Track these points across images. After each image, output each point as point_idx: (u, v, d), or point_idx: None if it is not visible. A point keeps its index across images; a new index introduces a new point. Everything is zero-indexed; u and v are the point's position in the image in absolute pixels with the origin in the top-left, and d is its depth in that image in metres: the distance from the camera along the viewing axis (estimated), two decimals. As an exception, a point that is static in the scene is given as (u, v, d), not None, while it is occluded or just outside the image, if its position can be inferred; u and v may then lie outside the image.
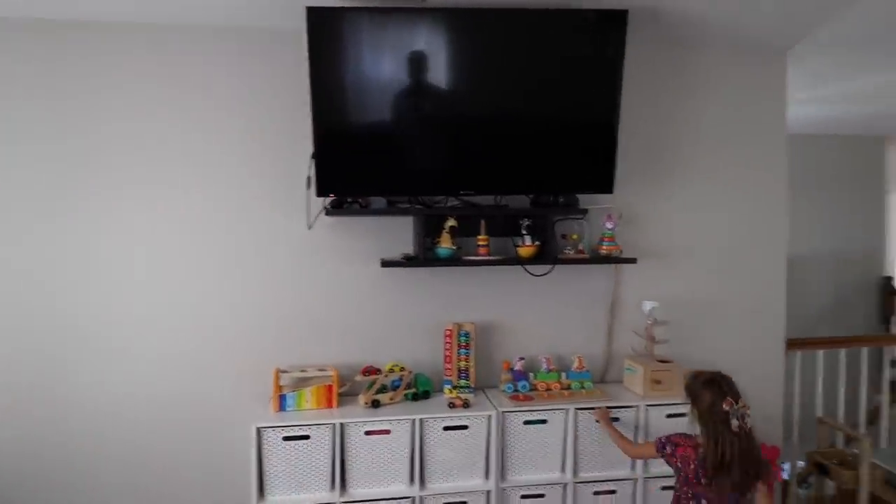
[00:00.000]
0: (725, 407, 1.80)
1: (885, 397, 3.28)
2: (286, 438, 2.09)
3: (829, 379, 2.99)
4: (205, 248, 2.33)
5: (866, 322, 5.13)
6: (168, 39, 2.27)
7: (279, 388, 2.20)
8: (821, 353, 2.94)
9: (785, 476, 2.86)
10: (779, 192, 2.74)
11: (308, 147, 2.14)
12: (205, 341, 2.34)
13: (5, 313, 2.23)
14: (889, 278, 5.41)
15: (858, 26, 2.50)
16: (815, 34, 2.54)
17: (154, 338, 2.31)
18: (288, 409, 2.19)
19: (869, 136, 5.30)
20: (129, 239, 2.28)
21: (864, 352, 2.99)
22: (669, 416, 2.31)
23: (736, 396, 1.84)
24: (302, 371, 2.28)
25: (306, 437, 2.10)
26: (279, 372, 2.23)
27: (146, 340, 2.30)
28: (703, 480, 1.84)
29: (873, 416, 3.57)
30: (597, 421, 2.24)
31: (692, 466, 1.87)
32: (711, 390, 1.86)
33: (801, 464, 2.87)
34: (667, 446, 1.95)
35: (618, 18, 2.09)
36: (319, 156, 2.12)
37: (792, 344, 2.82)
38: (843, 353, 2.96)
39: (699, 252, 2.67)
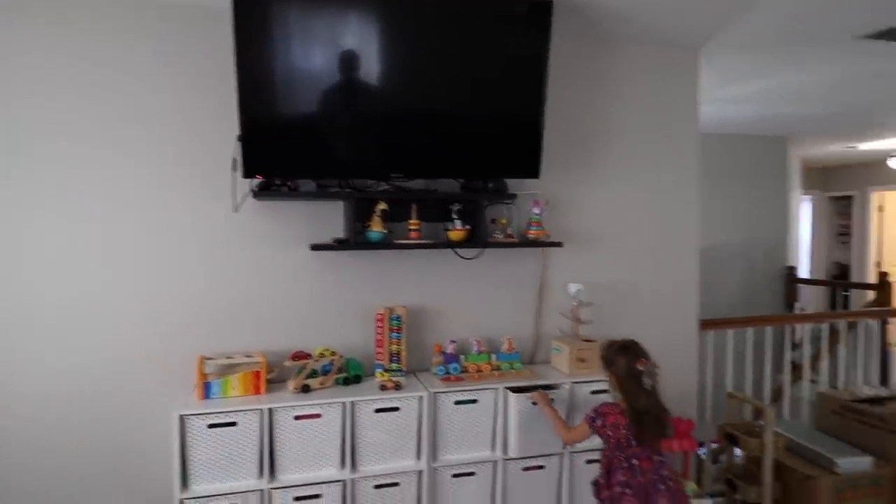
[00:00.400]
0: (639, 367, 1.96)
1: (786, 377, 3.55)
2: (211, 426, 2.02)
3: (737, 357, 3.21)
4: (124, 232, 2.22)
5: (773, 308, 5.52)
6: (84, 14, 2.15)
7: (203, 375, 2.13)
8: (731, 332, 3.15)
9: (702, 454, 3.04)
10: (691, 183, 2.91)
11: (235, 128, 2.09)
12: (124, 329, 2.23)
13: None
14: (792, 268, 5.86)
15: (759, 30, 2.70)
16: (723, 35, 2.72)
17: (69, 326, 2.17)
18: (213, 396, 2.12)
19: (773, 136, 5.72)
20: (43, 222, 2.14)
21: (769, 333, 3.23)
22: (594, 392, 2.41)
23: (647, 357, 2.00)
24: (228, 358, 2.22)
25: (233, 424, 2.05)
26: (203, 359, 2.16)
27: (60, 330, 2.16)
28: (633, 442, 1.95)
29: (777, 395, 3.85)
30: (533, 403, 2.28)
31: (623, 431, 1.97)
32: (626, 355, 2.00)
33: (714, 445, 3.06)
34: (597, 419, 2.04)
35: (543, 10, 2.16)
36: (246, 137, 2.07)
37: (705, 324, 3.01)
38: (750, 333, 3.17)
39: (620, 238, 2.80)
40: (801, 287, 5.95)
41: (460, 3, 2.14)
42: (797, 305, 5.77)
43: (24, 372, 2.14)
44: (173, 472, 2.00)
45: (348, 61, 2.11)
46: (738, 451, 2.92)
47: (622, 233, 2.80)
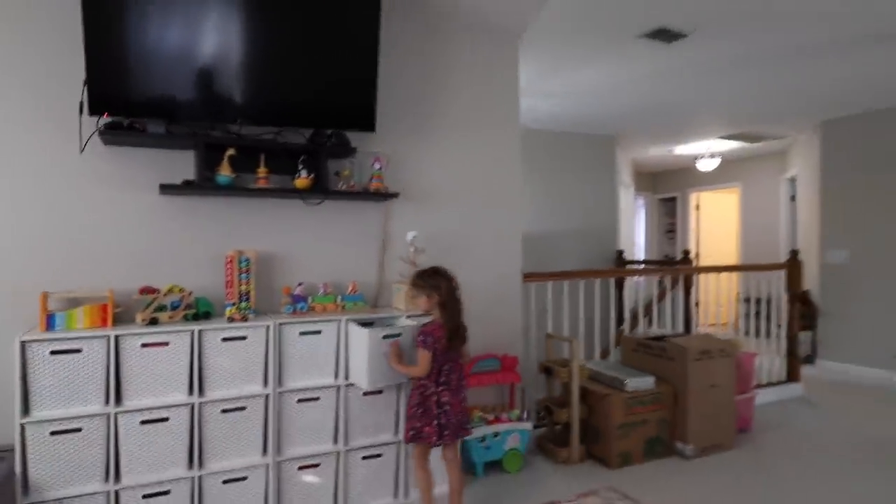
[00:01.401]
0: (454, 284, 2.36)
1: (613, 328, 4.19)
2: (54, 352, 2.10)
3: (573, 307, 3.77)
4: (-43, 170, 2.23)
5: (605, 284, 6.32)
6: None
7: (46, 309, 2.19)
8: (549, 283, 3.69)
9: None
10: (514, 152, 3.39)
11: (78, 77, 2.20)
12: None
13: None
14: (621, 251, 6.74)
15: (561, 23, 3.25)
16: (537, 25, 3.24)
17: None
18: (57, 328, 2.19)
19: (603, 136, 6.57)
20: None
21: (608, 292, 3.80)
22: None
23: (453, 278, 2.44)
24: (72, 292, 2.29)
25: (77, 351, 2.14)
26: (46, 295, 2.22)
27: None
28: (451, 346, 2.37)
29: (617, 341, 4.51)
30: (391, 354, 2.48)
31: (442, 343, 2.34)
32: (446, 278, 2.41)
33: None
34: (427, 339, 2.37)
35: (373, -15, 2.51)
36: (91, 73, 2.18)
37: (527, 277, 3.50)
38: (565, 285, 3.74)
39: (452, 196, 3.20)
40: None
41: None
42: (626, 284, 6.64)
43: None
44: (14, 398, 2.05)
45: (199, 13, 2.30)
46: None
47: (454, 192, 3.21)
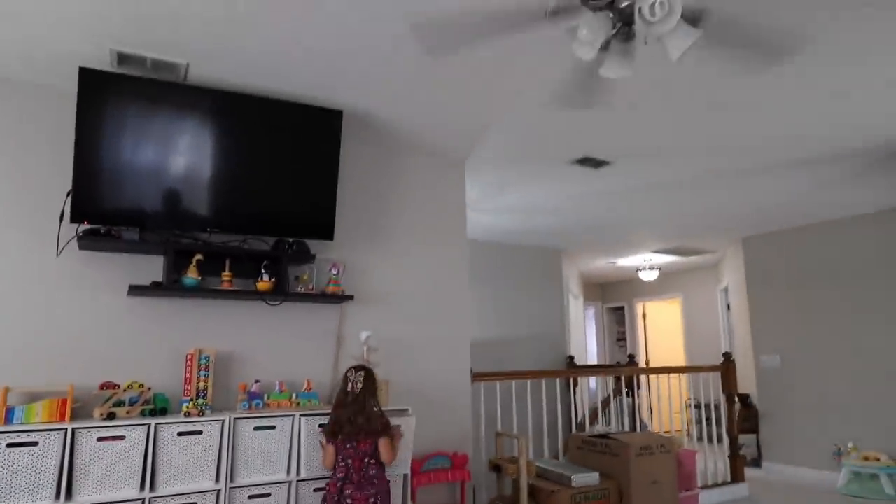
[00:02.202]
0: (348, 375, 2.59)
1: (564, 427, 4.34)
2: (10, 445, 2.16)
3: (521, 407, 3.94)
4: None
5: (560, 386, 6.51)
6: None
7: (5, 403, 2.27)
8: (497, 383, 3.88)
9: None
10: (461, 265, 3.71)
11: (60, 188, 2.48)
12: None
13: None
14: (571, 357, 7.00)
15: (501, 152, 3.74)
16: (480, 152, 3.71)
17: None
18: (14, 422, 2.26)
19: (551, 249, 7.06)
20: None
21: (544, 385, 4.00)
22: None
23: (357, 369, 2.61)
24: (32, 388, 2.38)
25: (34, 444, 2.20)
26: (7, 390, 2.31)
27: None
28: (335, 433, 2.50)
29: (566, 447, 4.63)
30: (321, 443, 2.63)
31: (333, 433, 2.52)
32: (350, 370, 2.63)
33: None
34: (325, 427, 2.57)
35: (335, 115, 2.93)
36: (76, 186, 2.44)
37: (476, 376, 3.70)
38: (513, 384, 3.94)
39: (404, 302, 3.46)
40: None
41: (271, 110, 2.82)
42: (577, 390, 6.84)
43: None
44: (-38, 492, 2.08)
45: (176, 141, 2.64)
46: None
47: (406, 296, 3.47)
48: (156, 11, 2.20)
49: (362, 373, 2.60)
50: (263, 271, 2.87)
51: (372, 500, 2.47)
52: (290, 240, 2.97)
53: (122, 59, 2.52)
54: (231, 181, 2.77)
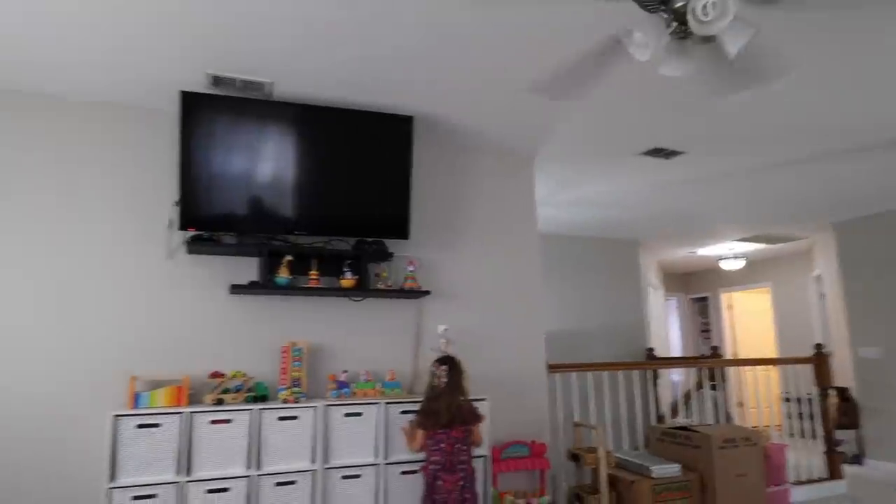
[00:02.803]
0: (432, 369, 2.77)
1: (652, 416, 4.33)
2: (139, 426, 2.48)
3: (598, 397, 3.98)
4: (78, 277, 2.78)
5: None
6: (46, 107, 2.86)
7: (133, 389, 2.61)
8: (574, 375, 3.93)
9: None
10: (534, 257, 3.79)
11: (168, 199, 2.81)
12: (72, 354, 2.73)
13: None
14: (651, 349, 6.87)
15: (570, 146, 3.78)
16: (549, 148, 3.77)
17: (29, 351, 2.67)
18: (141, 406, 2.59)
19: (627, 240, 6.97)
20: (17, 272, 2.71)
21: (621, 377, 4.03)
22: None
23: (442, 363, 2.78)
24: (154, 376, 2.71)
25: (157, 426, 2.51)
26: (134, 378, 2.65)
27: (23, 353, 2.66)
28: (428, 422, 2.69)
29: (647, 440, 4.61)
30: (402, 428, 2.89)
31: (425, 421, 2.72)
32: (431, 365, 2.80)
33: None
34: (418, 417, 2.75)
35: (406, 121, 3.11)
36: (183, 199, 2.75)
37: (552, 367, 3.77)
38: (590, 376, 3.97)
39: (477, 296, 3.58)
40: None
41: (348, 119, 3.03)
42: (660, 382, 6.71)
43: (-27, 390, 2.55)
44: (104, 465, 2.42)
45: (266, 153, 2.90)
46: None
47: (480, 290, 3.60)
48: (244, 37, 2.45)
49: (445, 367, 2.78)
50: (346, 269, 3.08)
51: (461, 482, 2.67)
52: (370, 239, 3.17)
53: (216, 81, 2.80)
54: (313, 187, 3.01)
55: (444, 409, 2.69)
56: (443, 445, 2.68)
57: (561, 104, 3.13)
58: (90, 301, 2.79)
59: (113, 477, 2.43)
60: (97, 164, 2.90)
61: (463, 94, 2.99)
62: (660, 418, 5.52)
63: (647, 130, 3.55)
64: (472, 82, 2.87)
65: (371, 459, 2.87)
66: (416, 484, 2.91)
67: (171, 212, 2.88)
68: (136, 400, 2.59)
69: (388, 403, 2.93)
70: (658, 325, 8.04)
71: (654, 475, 3.39)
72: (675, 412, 5.78)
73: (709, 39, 1.73)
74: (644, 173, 4.34)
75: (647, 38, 1.59)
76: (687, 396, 5.62)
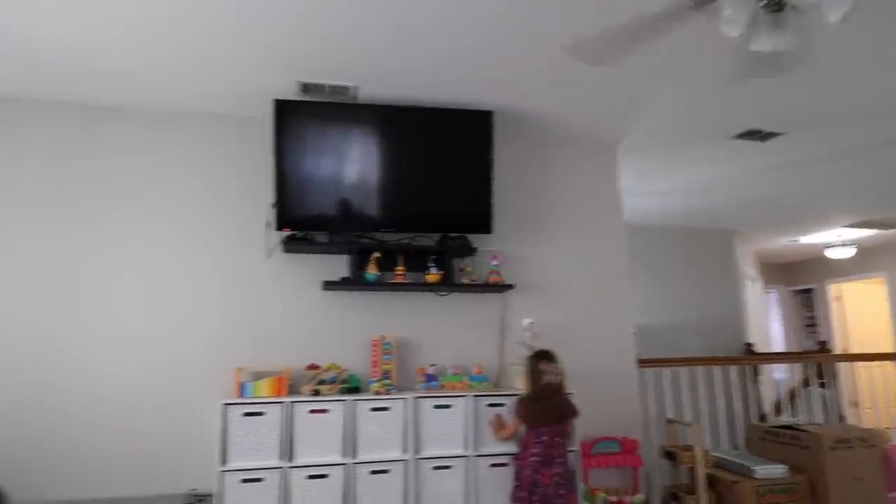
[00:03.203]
0: (540, 366, 2.72)
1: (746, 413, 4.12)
2: (245, 414, 2.66)
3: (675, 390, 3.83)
4: (187, 278, 3.03)
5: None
6: (154, 121, 3.12)
7: (239, 380, 2.80)
8: (666, 370, 3.79)
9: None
10: (619, 249, 3.69)
11: (265, 201, 2.98)
12: (183, 348, 2.97)
13: (34, 323, 2.83)
14: (750, 344, 6.50)
15: (655, 133, 3.65)
16: (632, 136, 3.66)
17: (143, 346, 2.94)
18: (246, 396, 2.77)
19: (720, 229, 6.61)
20: (131, 271, 3.00)
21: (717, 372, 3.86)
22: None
23: (550, 360, 2.75)
24: (256, 369, 2.89)
25: (261, 414, 2.68)
26: (240, 369, 2.84)
27: (138, 348, 2.93)
28: (534, 419, 2.66)
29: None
30: (490, 422, 2.92)
31: (528, 414, 2.69)
32: (534, 358, 2.78)
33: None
34: (517, 406, 2.76)
35: (486, 116, 3.13)
36: (279, 202, 2.92)
37: (642, 362, 3.66)
38: (683, 371, 3.82)
39: (562, 289, 3.54)
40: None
41: (428, 117, 3.09)
42: (760, 379, 6.33)
43: (109, 377, 2.87)
44: (215, 450, 2.61)
45: (352, 154, 3.02)
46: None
47: (565, 284, 3.55)
48: (332, 46, 2.56)
49: (555, 364, 2.76)
50: (431, 265, 3.15)
51: (556, 477, 2.65)
52: (453, 235, 3.22)
53: (305, 87, 2.94)
54: (397, 185, 3.09)
55: (556, 407, 2.70)
56: (545, 438, 2.67)
57: (645, 89, 3.03)
58: (198, 299, 3.03)
59: (224, 461, 2.61)
60: (200, 170, 3.14)
61: (543, 85, 2.97)
62: (761, 417, 5.20)
63: (740, 112, 3.37)
64: (552, 72, 2.85)
65: (461, 451, 2.91)
66: (506, 476, 2.92)
67: (268, 214, 3.06)
68: (241, 390, 2.78)
69: (475, 396, 2.96)
70: (757, 319, 7.58)
71: (757, 476, 3.21)
72: (778, 411, 5.42)
73: (804, 10, 1.62)
74: (737, 158, 4.11)
75: (737, 14, 1.51)
76: (792, 394, 5.26)
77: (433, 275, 3.13)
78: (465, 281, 3.23)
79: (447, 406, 2.93)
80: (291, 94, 2.98)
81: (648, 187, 4.78)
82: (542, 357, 2.79)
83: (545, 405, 2.69)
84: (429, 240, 3.26)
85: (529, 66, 2.77)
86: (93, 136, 3.04)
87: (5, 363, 2.77)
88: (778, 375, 6.34)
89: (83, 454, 2.78)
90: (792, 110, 3.33)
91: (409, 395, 2.88)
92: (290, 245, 3.02)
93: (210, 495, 2.65)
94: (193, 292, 3.02)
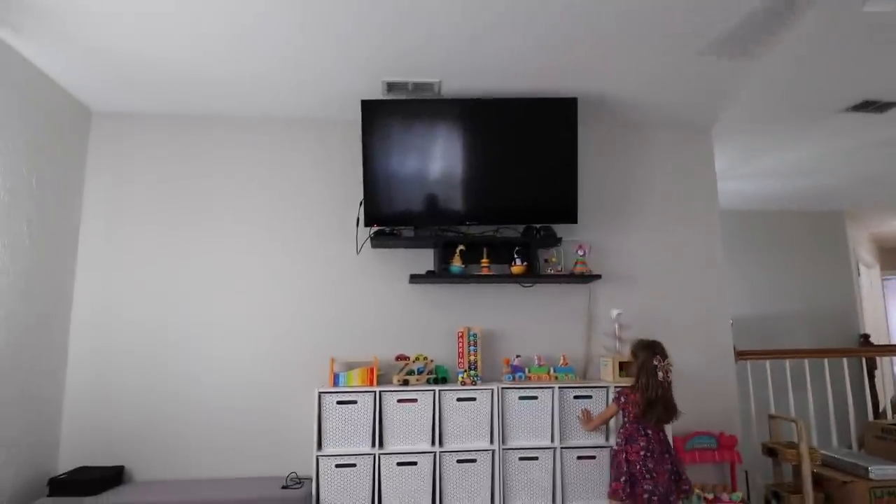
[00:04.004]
0: (655, 362, 2.55)
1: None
2: (339, 402, 2.80)
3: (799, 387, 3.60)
4: (284, 274, 3.21)
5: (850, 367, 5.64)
6: (254, 128, 3.30)
7: (333, 370, 2.94)
8: (767, 362, 3.57)
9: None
10: (714, 237, 3.51)
11: (355, 199, 3.08)
12: (280, 339, 3.15)
13: (153, 318, 3.11)
14: (866, 335, 5.97)
15: (755, 111, 3.42)
16: (729, 116, 3.45)
17: (247, 338, 3.15)
18: (339, 385, 2.91)
19: (829, 212, 6.11)
20: (238, 269, 3.21)
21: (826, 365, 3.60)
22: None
23: (664, 356, 2.58)
24: (348, 359, 3.03)
25: (354, 402, 2.81)
26: (333, 360, 2.98)
27: (241, 338, 3.15)
28: (645, 416, 2.52)
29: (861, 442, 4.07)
30: (578, 417, 2.90)
31: (640, 406, 2.55)
32: (647, 351, 2.60)
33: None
34: (621, 397, 2.64)
35: (570, 103, 3.06)
36: (367, 199, 3.02)
37: (740, 354, 3.47)
38: (787, 364, 3.58)
39: (655, 279, 3.42)
40: None
41: (511, 108, 3.07)
42: (877, 374, 5.81)
43: (218, 367, 3.10)
44: (313, 435, 2.77)
45: (436, 149, 3.06)
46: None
47: (655, 274, 3.43)
48: (415, 44, 2.60)
49: (668, 361, 2.60)
50: (516, 256, 3.14)
51: (667, 475, 2.53)
52: (538, 226, 3.19)
53: (390, 87, 3.01)
54: (480, 178, 3.10)
55: (666, 407, 2.56)
56: (649, 432, 2.57)
57: (740, 64, 2.84)
58: (296, 293, 3.20)
59: (320, 446, 2.77)
60: (295, 172, 3.30)
61: (628, 68, 2.86)
62: (878, 415, 4.79)
63: (853, 81, 3.08)
64: (638, 54, 2.74)
65: (547, 443, 2.90)
66: (592, 468, 2.90)
67: (358, 212, 3.18)
68: (335, 379, 2.92)
69: (561, 388, 2.94)
70: (874, 308, 6.94)
71: (872, 476, 2.97)
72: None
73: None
74: (847, 133, 3.77)
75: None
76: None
77: (518, 266, 3.13)
78: (551, 272, 3.20)
79: (533, 397, 2.94)
80: (377, 93, 3.06)
81: (746, 169, 4.50)
82: (656, 350, 2.61)
83: (657, 405, 2.54)
84: (513, 231, 3.26)
85: (614, 48, 2.67)
86: (197, 144, 3.27)
87: (126, 355, 3.07)
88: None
89: (194, 437, 3.04)
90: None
91: (495, 386, 2.90)
92: (378, 240, 3.11)
93: (308, 479, 2.81)
94: (292, 287, 3.20)
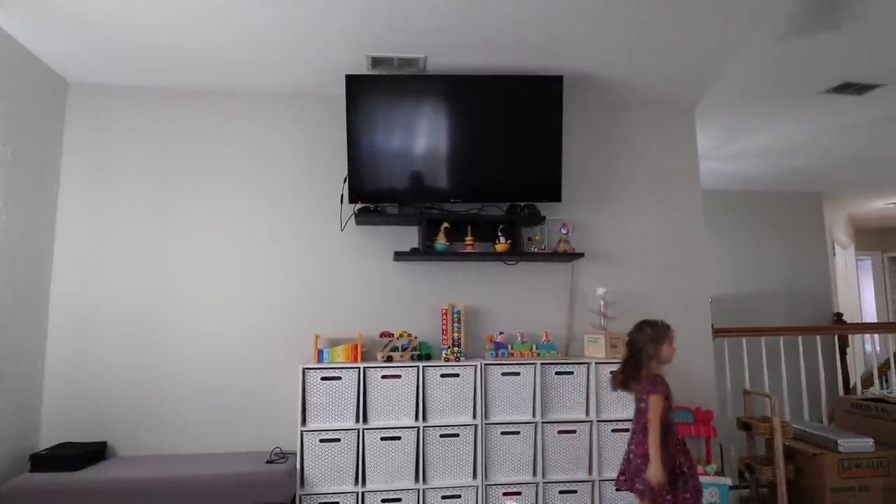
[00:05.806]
0: (633, 334, 2.54)
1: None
2: (323, 378, 2.81)
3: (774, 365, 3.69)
4: (267, 251, 3.19)
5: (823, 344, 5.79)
6: (237, 102, 3.25)
7: (317, 346, 2.95)
8: (744, 339, 3.66)
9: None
10: (696, 216, 3.56)
11: (339, 176, 3.05)
12: (264, 315, 3.14)
13: (137, 293, 3.08)
14: (840, 314, 6.13)
15: (737, 90, 3.44)
16: (711, 95, 3.48)
17: (231, 314, 3.14)
18: (324, 361, 2.92)
19: (808, 193, 6.21)
20: (220, 247, 3.18)
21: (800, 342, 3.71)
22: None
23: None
24: (332, 335, 3.03)
25: (338, 378, 2.82)
26: (317, 336, 2.99)
27: (223, 315, 3.13)
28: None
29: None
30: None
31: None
32: (666, 329, 2.54)
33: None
34: (659, 386, 2.39)
35: (556, 81, 3.05)
36: (351, 175, 3.00)
37: (718, 331, 3.55)
38: (762, 341, 3.67)
39: (633, 257, 3.47)
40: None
41: (496, 85, 3.06)
42: (849, 350, 5.98)
43: (202, 343, 3.09)
44: (297, 411, 2.78)
45: (421, 125, 3.04)
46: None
47: (637, 252, 3.47)
48: (401, 18, 2.57)
49: None
50: (500, 234, 3.16)
51: (636, 450, 2.44)
52: (522, 204, 3.21)
53: (375, 62, 2.98)
54: (466, 156, 3.10)
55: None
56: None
57: (723, 42, 2.85)
58: (281, 269, 3.19)
59: (304, 421, 2.78)
60: (281, 147, 3.26)
61: (615, 46, 2.86)
62: (848, 391, 4.95)
63: (834, 63, 3.11)
64: (625, 31, 2.73)
65: (528, 418, 2.96)
66: (572, 443, 2.96)
67: (342, 188, 3.16)
68: (319, 355, 2.93)
69: (543, 364, 2.99)
70: (848, 288, 7.12)
71: (841, 449, 3.08)
72: (867, 384, 5.13)
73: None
74: (827, 114, 3.83)
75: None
76: (885, 368, 4.94)
77: (502, 244, 3.14)
78: (534, 250, 3.23)
79: (516, 373, 2.98)
80: (362, 68, 3.03)
81: (728, 149, 4.54)
82: (670, 329, 2.50)
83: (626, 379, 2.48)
84: (497, 209, 3.27)
85: (602, 27, 2.67)
86: (179, 118, 3.21)
87: (108, 331, 3.04)
88: (869, 347, 5.96)
89: (177, 413, 3.04)
90: (888, 62, 3.05)
91: (479, 362, 2.94)
92: (363, 217, 3.10)
93: (293, 453, 2.83)
94: (276, 263, 3.19)
